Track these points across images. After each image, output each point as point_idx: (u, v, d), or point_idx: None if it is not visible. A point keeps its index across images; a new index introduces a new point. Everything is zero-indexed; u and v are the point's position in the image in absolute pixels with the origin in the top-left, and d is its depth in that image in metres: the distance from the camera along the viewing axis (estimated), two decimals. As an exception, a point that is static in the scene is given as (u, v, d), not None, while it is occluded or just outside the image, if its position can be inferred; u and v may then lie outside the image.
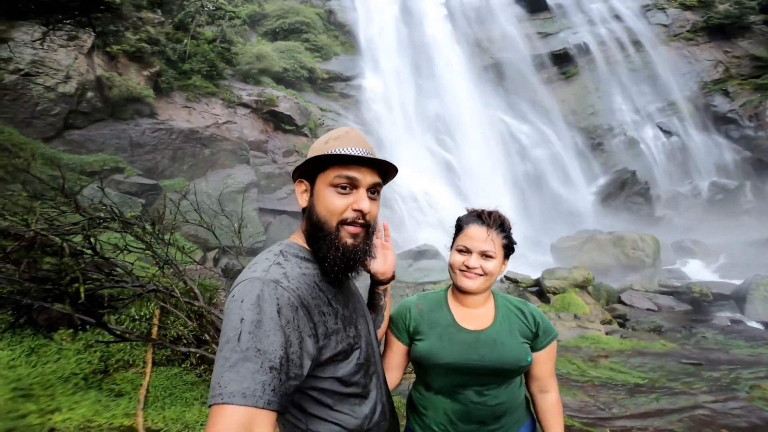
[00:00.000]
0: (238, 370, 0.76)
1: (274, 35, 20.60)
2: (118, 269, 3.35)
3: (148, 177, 11.03)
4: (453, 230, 1.43)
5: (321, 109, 17.78)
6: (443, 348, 1.31)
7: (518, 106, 22.04)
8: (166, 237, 3.77)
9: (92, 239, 3.13)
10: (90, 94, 11.37)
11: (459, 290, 1.36)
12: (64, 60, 10.79)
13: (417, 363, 1.37)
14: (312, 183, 1.06)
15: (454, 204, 16.18)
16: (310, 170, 1.07)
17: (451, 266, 1.36)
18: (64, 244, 2.49)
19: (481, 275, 1.30)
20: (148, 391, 2.47)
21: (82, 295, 2.32)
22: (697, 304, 9.49)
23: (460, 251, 1.34)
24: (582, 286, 9.42)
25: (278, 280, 0.89)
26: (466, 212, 1.41)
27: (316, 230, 1.03)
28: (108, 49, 12.60)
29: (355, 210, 1.01)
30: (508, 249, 1.36)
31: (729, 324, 8.04)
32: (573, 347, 6.12)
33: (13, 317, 2.79)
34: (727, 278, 11.11)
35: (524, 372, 1.39)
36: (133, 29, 13.30)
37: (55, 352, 2.76)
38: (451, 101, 20.48)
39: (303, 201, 1.08)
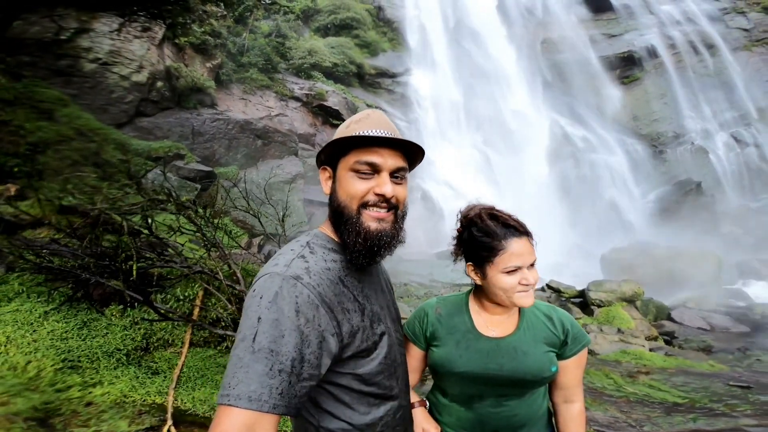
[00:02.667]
0: (248, 371, 0.76)
1: (325, 31, 20.97)
2: (169, 249, 3.62)
3: (205, 164, 11.72)
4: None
5: (368, 105, 17.95)
6: (460, 356, 1.25)
7: (575, 109, 20.95)
8: (216, 221, 4.02)
9: (149, 219, 3.41)
10: (160, 83, 12.23)
11: (502, 306, 1.25)
12: (138, 51, 11.62)
13: (433, 369, 1.33)
14: (334, 169, 1.04)
15: (499, 206, 15.74)
16: (333, 156, 1.04)
17: (502, 291, 1.20)
18: (124, 223, 2.74)
19: (533, 286, 1.21)
20: (182, 370, 2.63)
21: (134, 272, 2.54)
22: (756, 326, 8.78)
23: (509, 272, 1.18)
24: (630, 301, 8.93)
25: (299, 276, 0.86)
26: (480, 224, 1.23)
27: (338, 216, 1.00)
28: (176, 41, 13.46)
29: (377, 194, 0.97)
30: None
31: (792, 348, 7.38)
32: (612, 361, 5.85)
33: (72, 291, 3.03)
34: (797, 302, 10.12)
35: (548, 383, 1.30)
36: (198, 22, 14.12)
37: (104, 327, 2.96)
38: (501, 101, 19.89)
39: (327, 188, 1.06)
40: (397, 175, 1.00)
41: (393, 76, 20.15)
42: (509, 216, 1.24)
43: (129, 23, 11.00)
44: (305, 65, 17.86)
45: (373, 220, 0.97)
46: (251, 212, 4.35)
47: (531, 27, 22.06)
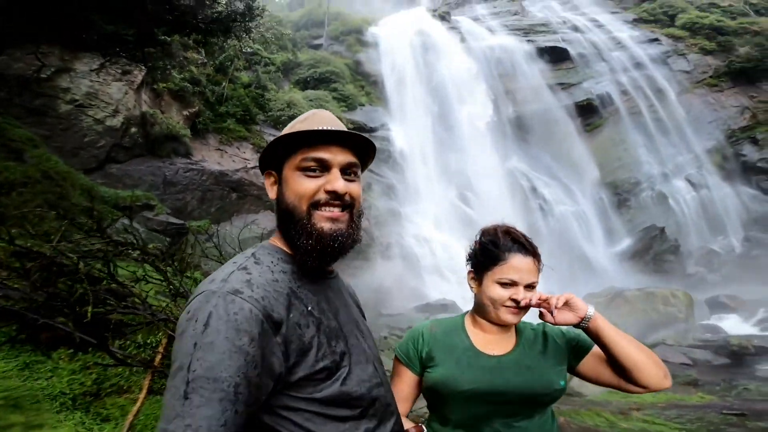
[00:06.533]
0: (184, 403, 0.68)
1: (305, 84, 21.66)
2: (134, 298, 3.40)
3: (176, 216, 11.22)
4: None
5: (345, 160, 18.22)
6: (462, 374, 1.20)
7: (542, 160, 21.88)
8: (187, 273, 3.85)
9: (111, 266, 3.21)
10: (134, 129, 12.08)
11: (495, 323, 1.25)
12: (115, 94, 11.50)
13: (432, 393, 1.25)
14: (280, 172, 0.98)
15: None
16: (278, 159, 0.98)
17: (491, 301, 1.23)
18: (81, 264, 2.56)
19: (524, 308, 1.21)
20: (137, 418, 2.42)
21: (89, 314, 2.34)
22: (736, 357, 9.07)
23: (504, 285, 1.21)
24: (611, 342, 8.96)
25: (238, 290, 0.78)
26: (491, 235, 1.29)
27: (286, 220, 0.93)
28: (155, 87, 13.43)
29: (328, 191, 0.91)
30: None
31: (775, 375, 7.63)
32: (601, 401, 5.77)
33: (16, 332, 2.82)
34: (768, 332, 10.53)
35: (559, 397, 1.24)
36: (179, 68, 14.28)
37: (49, 369, 2.77)
38: (473, 155, 20.64)
39: (273, 193, 0.99)
40: (349, 172, 0.96)
41: (370, 130, 20.49)
42: (523, 235, 1.28)
43: (110, 64, 11.05)
44: (283, 117, 18.19)
45: (326, 220, 0.91)
46: (223, 263, 4.15)
47: (498, 79, 23.24)
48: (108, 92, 11.35)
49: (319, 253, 0.89)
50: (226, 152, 15.07)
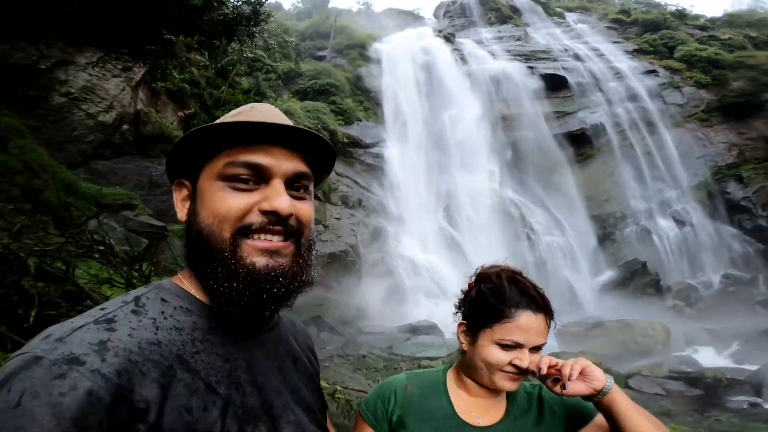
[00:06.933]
0: None
1: (304, 94, 21.55)
2: (91, 302, 3.32)
3: (158, 218, 10.88)
4: (454, 305, 1.18)
5: (337, 174, 17.84)
6: None
7: (533, 189, 21.90)
8: (154, 279, 3.78)
9: (70, 266, 3.12)
10: (125, 127, 11.96)
11: (486, 387, 1.07)
12: (112, 90, 11.31)
13: None
14: (195, 183, 0.71)
15: (457, 282, 15.99)
16: (193, 164, 0.71)
17: (486, 364, 1.03)
18: (30, 262, 2.47)
19: (524, 373, 1.02)
20: None
21: (32, 318, 2.26)
22: (709, 389, 9.13)
23: (505, 347, 1.01)
24: (588, 372, 9.04)
25: (77, 358, 0.53)
26: (493, 282, 1.08)
27: (199, 252, 0.65)
28: (153, 85, 13.32)
29: (265, 212, 0.65)
30: None
31: (746, 407, 7.78)
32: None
33: None
34: (741, 364, 10.73)
35: None
36: (180, 68, 14.27)
37: None
38: (464, 179, 20.67)
39: (182, 213, 0.73)
40: (297, 185, 0.70)
41: (366, 146, 20.37)
42: (533, 285, 1.08)
43: (110, 59, 11.01)
44: (279, 126, 18.16)
45: (259, 253, 0.64)
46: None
47: (497, 104, 23.26)
48: (105, 87, 11.18)
49: (247, 301, 0.63)
50: (217, 157, 14.97)
